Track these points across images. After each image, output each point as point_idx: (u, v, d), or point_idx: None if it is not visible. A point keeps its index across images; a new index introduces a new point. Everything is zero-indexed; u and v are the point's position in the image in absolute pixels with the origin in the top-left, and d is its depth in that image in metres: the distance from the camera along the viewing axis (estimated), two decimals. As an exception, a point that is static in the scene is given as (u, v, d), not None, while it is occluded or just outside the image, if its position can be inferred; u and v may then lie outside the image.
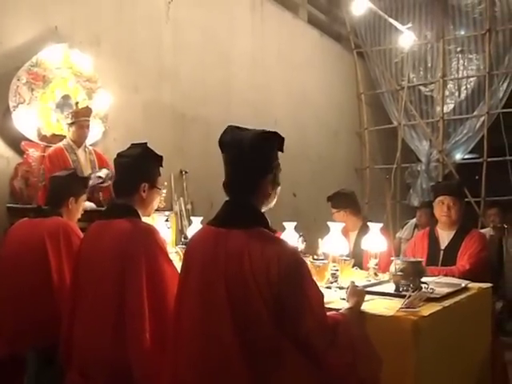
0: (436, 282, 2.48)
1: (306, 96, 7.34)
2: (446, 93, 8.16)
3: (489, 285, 2.62)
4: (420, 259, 2.48)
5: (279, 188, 1.80)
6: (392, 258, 2.47)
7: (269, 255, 1.56)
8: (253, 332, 1.55)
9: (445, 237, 3.41)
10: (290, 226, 2.96)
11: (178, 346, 1.70)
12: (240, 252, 1.59)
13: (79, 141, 4.02)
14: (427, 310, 1.97)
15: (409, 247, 3.62)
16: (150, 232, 2.14)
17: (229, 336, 1.56)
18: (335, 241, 2.59)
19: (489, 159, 7.54)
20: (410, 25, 7.93)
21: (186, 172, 5.35)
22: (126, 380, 1.94)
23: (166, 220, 3.50)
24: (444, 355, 2.06)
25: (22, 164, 3.93)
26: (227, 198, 1.77)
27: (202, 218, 3.14)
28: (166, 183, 3.12)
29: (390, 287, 2.35)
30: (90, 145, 4.22)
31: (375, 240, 2.75)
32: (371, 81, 8.71)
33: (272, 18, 6.77)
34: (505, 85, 7.60)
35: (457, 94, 8.14)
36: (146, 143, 2.33)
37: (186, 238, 3.25)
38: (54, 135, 4.09)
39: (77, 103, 4.10)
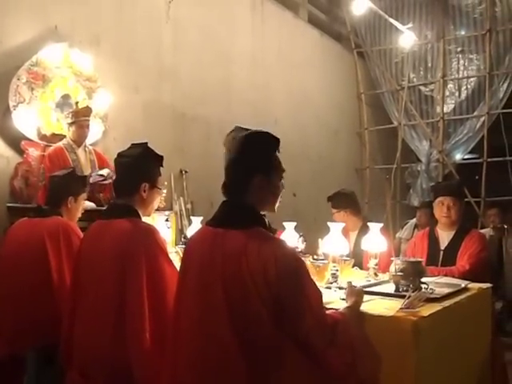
0: (436, 283, 2.48)
1: (306, 96, 7.34)
2: (447, 93, 8.16)
3: (488, 285, 2.62)
4: (420, 259, 2.48)
5: (283, 190, 1.80)
6: (392, 259, 2.47)
7: (266, 255, 1.56)
8: (252, 332, 1.55)
9: (445, 237, 3.41)
10: (290, 225, 2.96)
11: (177, 345, 1.71)
12: (237, 252, 1.59)
13: (79, 140, 4.02)
14: (427, 310, 1.97)
15: (409, 247, 3.62)
16: (151, 232, 2.14)
17: (227, 336, 1.56)
18: (335, 241, 2.59)
19: (489, 159, 7.54)
20: (410, 25, 7.95)
21: (185, 172, 5.35)
22: (125, 380, 1.94)
23: (166, 220, 3.50)
24: (444, 355, 2.05)
25: (22, 163, 3.92)
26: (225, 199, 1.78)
27: (201, 218, 3.14)
28: (165, 183, 3.11)
29: (390, 287, 2.35)
30: (90, 144, 4.22)
31: (375, 240, 2.75)
32: (371, 81, 8.71)
33: (272, 18, 6.77)
34: (505, 85, 7.60)
35: (457, 94, 8.14)
36: (146, 143, 2.33)
37: (185, 237, 3.25)
38: (53, 135, 4.09)
39: (77, 103, 4.10)
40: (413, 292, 2.08)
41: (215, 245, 1.66)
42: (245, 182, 1.71)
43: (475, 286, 2.54)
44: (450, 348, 2.13)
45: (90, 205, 3.57)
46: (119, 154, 2.30)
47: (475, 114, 7.89)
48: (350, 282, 2.08)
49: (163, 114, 5.23)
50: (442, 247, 3.38)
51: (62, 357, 2.21)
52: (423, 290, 2.17)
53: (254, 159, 1.73)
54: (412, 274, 2.24)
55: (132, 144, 2.36)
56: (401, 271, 2.27)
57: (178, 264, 1.97)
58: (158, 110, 5.17)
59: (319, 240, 2.69)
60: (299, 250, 2.84)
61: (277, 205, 1.81)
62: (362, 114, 8.69)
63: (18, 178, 3.88)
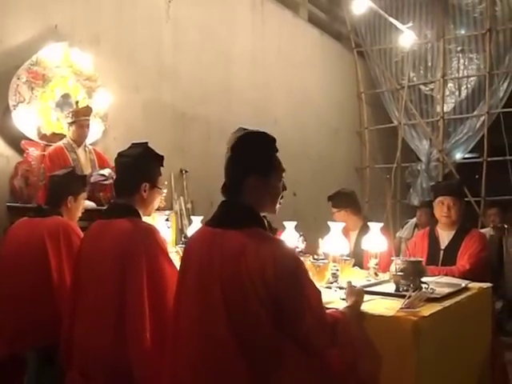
0: (436, 282, 2.48)
1: (306, 95, 7.33)
2: (447, 92, 8.16)
3: (489, 285, 2.62)
4: (420, 259, 2.48)
5: (284, 192, 1.80)
6: (392, 258, 2.47)
7: (264, 255, 1.55)
8: (251, 333, 1.55)
9: (445, 236, 3.41)
10: (290, 225, 2.96)
11: (176, 345, 1.71)
12: (236, 252, 1.59)
13: (79, 140, 4.01)
14: (427, 310, 1.97)
15: (409, 247, 3.61)
16: (151, 232, 2.13)
17: (226, 337, 1.55)
18: (335, 241, 2.59)
19: (489, 159, 7.54)
20: (410, 24, 7.94)
21: (186, 171, 5.35)
22: (126, 379, 1.94)
23: (166, 219, 3.50)
24: (444, 355, 2.05)
25: (22, 163, 3.92)
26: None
27: (202, 218, 3.14)
28: (166, 182, 3.11)
29: (391, 287, 2.35)
30: (90, 144, 4.22)
31: (375, 240, 2.75)
32: (371, 80, 8.71)
33: (272, 17, 6.76)
34: (505, 84, 7.59)
35: (457, 93, 8.13)
36: (146, 143, 2.33)
37: (186, 237, 3.25)
38: (53, 134, 4.08)
39: (77, 102, 4.10)
40: (413, 292, 2.08)
41: (214, 245, 1.65)
42: (240, 181, 1.71)
43: (475, 285, 2.54)
44: (451, 348, 2.13)
45: (90, 204, 3.57)
46: (119, 154, 2.30)
47: (475, 113, 7.89)
48: (350, 282, 2.08)
49: (163, 114, 5.23)
50: (443, 247, 3.38)
51: (62, 357, 2.21)
52: (423, 289, 2.16)
53: (248, 159, 1.73)
54: (412, 274, 2.24)
55: (132, 144, 2.36)
56: (401, 271, 2.27)
57: (178, 264, 1.97)
58: (158, 110, 5.17)
59: (319, 240, 2.69)
60: (299, 249, 2.84)
61: (277, 206, 1.81)
62: (362, 113, 8.69)
63: (18, 178, 3.88)
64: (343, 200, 3.89)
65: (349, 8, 7.30)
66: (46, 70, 4.07)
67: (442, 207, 3.37)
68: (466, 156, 8.30)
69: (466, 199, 3.76)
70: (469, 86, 8.04)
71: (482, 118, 7.71)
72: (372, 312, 1.94)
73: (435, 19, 8.10)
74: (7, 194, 3.87)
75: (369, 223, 2.95)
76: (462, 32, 8.03)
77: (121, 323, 1.99)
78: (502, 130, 7.26)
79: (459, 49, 8.07)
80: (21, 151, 3.95)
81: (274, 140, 1.78)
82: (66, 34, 4.30)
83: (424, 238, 3.50)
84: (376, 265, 2.70)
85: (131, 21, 4.93)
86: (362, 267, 3.02)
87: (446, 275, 2.95)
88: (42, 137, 4.03)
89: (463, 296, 2.32)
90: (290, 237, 2.88)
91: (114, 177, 2.40)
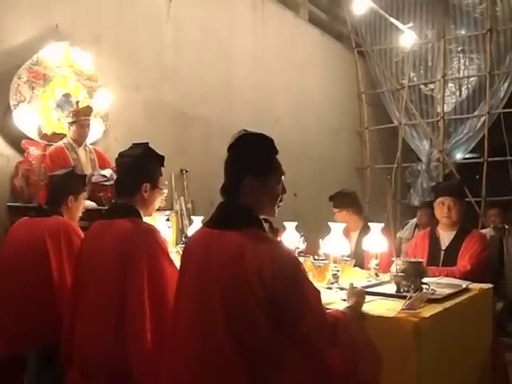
0: (437, 283, 2.48)
1: (306, 95, 7.33)
2: (447, 92, 8.15)
3: (490, 285, 2.62)
4: (421, 260, 2.47)
5: (284, 195, 1.80)
6: (393, 259, 2.47)
7: (262, 255, 1.55)
8: (249, 334, 1.54)
9: (445, 237, 3.41)
10: (290, 225, 2.96)
11: (175, 345, 1.71)
12: (233, 253, 1.58)
13: (80, 140, 4.02)
14: (428, 311, 1.97)
15: (410, 247, 3.62)
16: (151, 232, 2.13)
17: (223, 338, 1.55)
18: (336, 241, 2.58)
19: (489, 159, 7.54)
20: (410, 24, 7.94)
21: (186, 171, 5.35)
22: (126, 380, 1.94)
23: (167, 219, 3.50)
24: (445, 356, 2.05)
25: (23, 162, 3.92)
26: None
27: (202, 218, 3.14)
28: (166, 182, 3.11)
29: (391, 288, 2.34)
30: (91, 144, 4.22)
31: (376, 240, 2.75)
32: (372, 80, 8.70)
33: (273, 17, 6.76)
34: (505, 85, 7.59)
35: (457, 93, 8.13)
36: (147, 143, 2.32)
37: (186, 237, 3.25)
38: (54, 134, 4.09)
39: (77, 102, 4.10)
40: (414, 293, 2.08)
41: (212, 246, 1.65)
42: (238, 182, 1.71)
43: (476, 286, 2.54)
44: (451, 349, 2.13)
45: (90, 204, 3.57)
46: (120, 154, 2.30)
47: (476, 113, 7.89)
48: (352, 284, 2.07)
49: (164, 114, 5.23)
50: (443, 247, 3.37)
51: (63, 357, 2.21)
52: (424, 290, 2.16)
53: (245, 160, 1.73)
54: (413, 275, 2.24)
55: (133, 144, 2.36)
56: (402, 272, 2.26)
57: (178, 264, 1.97)
58: (159, 110, 5.17)
59: (320, 240, 2.68)
60: (300, 250, 2.84)
61: (276, 209, 1.80)
62: (363, 113, 8.69)
63: (18, 177, 3.88)
64: (345, 200, 3.89)
65: (349, 8, 7.30)
66: (47, 69, 4.07)
67: (443, 208, 3.37)
68: (467, 156, 8.29)
69: (467, 199, 3.74)
70: (469, 86, 8.04)
71: (483, 119, 7.71)
72: (373, 313, 1.94)
73: (436, 19, 8.10)
74: (8, 193, 3.87)
75: (370, 224, 2.95)
76: (463, 32, 8.03)
77: (121, 323, 1.98)
78: (502, 131, 7.26)
79: (460, 49, 8.07)
80: (21, 151, 3.95)
81: (272, 141, 1.77)
82: (67, 33, 4.30)
83: (425, 238, 3.50)
84: (377, 265, 2.70)
85: (132, 20, 4.93)
86: (362, 268, 3.01)
87: (447, 276, 2.94)
88: (43, 136, 4.03)
89: (464, 297, 2.32)
90: (291, 237, 2.88)
91: (115, 178, 2.40)
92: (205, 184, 5.24)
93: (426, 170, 8.13)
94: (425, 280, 2.27)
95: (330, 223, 2.68)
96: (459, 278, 2.82)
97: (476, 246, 3.27)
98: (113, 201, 2.75)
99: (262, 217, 1.75)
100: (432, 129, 8.22)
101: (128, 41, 4.90)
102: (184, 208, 5.19)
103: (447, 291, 2.29)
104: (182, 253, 1.82)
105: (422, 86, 8.37)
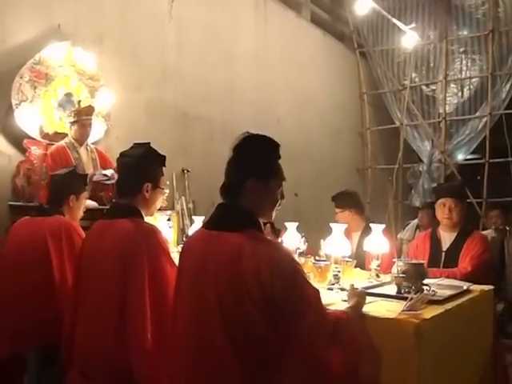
0: (438, 284, 2.47)
1: (308, 95, 7.33)
2: (449, 93, 8.15)
3: (490, 287, 2.61)
4: (422, 261, 2.47)
5: (282, 201, 1.79)
6: (394, 260, 2.46)
7: (260, 256, 1.55)
8: (245, 335, 1.54)
9: (447, 238, 3.40)
10: (291, 226, 2.96)
11: (173, 347, 1.71)
12: (231, 254, 1.58)
13: (81, 139, 4.02)
14: (429, 312, 1.97)
15: (411, 248, 3.61)
16: (153, 232, 2.13)
17: (220, 341, 1.55)
18: (337, 242, 2.58)
19: (491, 160, 7.54)
20: (413, 25, 7.94)
21: (188, 171, 5.36)
22: (126, 380, 1.94)
23: (168, 219, 3.50)
24: (446, 358, 2.05)
25: (24, 162, 3.93)
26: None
27: (203, 218, 3.14)
28: (167, 182, 3.11)
29: (392, 289, 2.34)
30: (92, 143, 4.22)
31: (377, 241, 2.75)
32: (373, 80, 8.70)
33: (275, 17, 6.76)
34: (507, 86, 7.59)
35: (459, 94, 8.13)
36: (149, 143, 2.32)
37: (187, 237, 3.25)
38: (56, 133, 4.09)
39: (79, 101, 4.10)
40: (415, 294, 2.08)
41: (209, 248, 1.65)
42: (240, 184, 1.71)
43: (477, 287, 2.53)
44: (452, 350, 2.13)
45: (92, 203, 3.57)
46: (122, 154, 2.30)
47: (477, 114, 7.88)
48: (353, 285, 2.07)
49: (166, 113, 5.23)
50: (444, 248, 3.37)
51: (63, 356, 2.21)
52: (425, 291, 2.16)
53: (248, 161, 1.73)
54: (414, 276, 2.23)
55: (135, 144, 2.36)
56: (403, 273, 2.26)
57: (178, 264, 1.97)
58: (161, 109, 5.17)
59: (321, 241, 2.68)
60: (301, 250, 2.84)
61: (273, 213, 1.80)
62: (364, 113, 8.69)
63: (20, 177, 3.89)
64: (347, 200, 3.88)
65: (351, 8, 7.30)
66: (49, 69, 4.08)
67: (444, 209, 3.36)
68: (468, 157, 8.29)
69: (468, 201, 3.73)
70: (471, 87, 8.03)
71: (485, 119, 7.70)
72: (373, 314, 1.94)
73: (438, 20, 8.10)
74: (9, 192, 3.87)
75: (371, 224, 2.94)
76: (465, 33, 8.03)
77: (122, 323, 1.98)
78: (504, 132, 7.25)
79: (462, 50, 8.06)
80: (23, 150, 3.96)
81: (277, 146, 1.77)
82: (69, 33, 4.30)
83: (426, 239, 3.49)
84: (378, 266, 2.70)
85: (134, 20, 4.94)
86: (363, 268, 3.01)
87: (448, 277, 2.94)
88: (45, 136, 4.03)
89: (465, 298, 2.32)
90: (292, 238, 2.88)
91: (116, 177, 2.40)
92: (206, 184, 5.25)
93: (428, 170, 8.13)
94: (426, 281, 2.27)
95: (331, 224, 2.67)
96: (460, 280, 2.82)
97: (477, 247, 3.26)
98: (114, 200, 2.75)
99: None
100: (433, 130, 8.22)
101: (130, 40, 4.91)
102: (185, 208, 5.20)
103: (448, 292, 2.29)
104: (179, 256, 1.82)
105: (423, 87, 8.37)
